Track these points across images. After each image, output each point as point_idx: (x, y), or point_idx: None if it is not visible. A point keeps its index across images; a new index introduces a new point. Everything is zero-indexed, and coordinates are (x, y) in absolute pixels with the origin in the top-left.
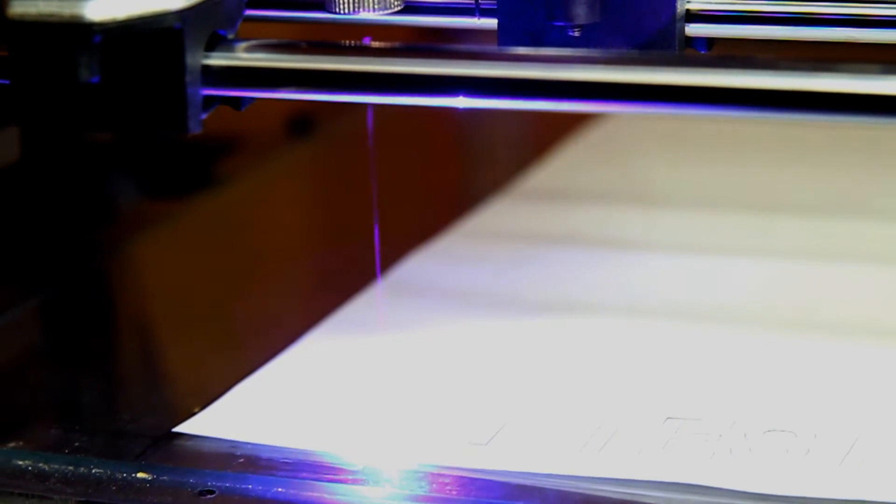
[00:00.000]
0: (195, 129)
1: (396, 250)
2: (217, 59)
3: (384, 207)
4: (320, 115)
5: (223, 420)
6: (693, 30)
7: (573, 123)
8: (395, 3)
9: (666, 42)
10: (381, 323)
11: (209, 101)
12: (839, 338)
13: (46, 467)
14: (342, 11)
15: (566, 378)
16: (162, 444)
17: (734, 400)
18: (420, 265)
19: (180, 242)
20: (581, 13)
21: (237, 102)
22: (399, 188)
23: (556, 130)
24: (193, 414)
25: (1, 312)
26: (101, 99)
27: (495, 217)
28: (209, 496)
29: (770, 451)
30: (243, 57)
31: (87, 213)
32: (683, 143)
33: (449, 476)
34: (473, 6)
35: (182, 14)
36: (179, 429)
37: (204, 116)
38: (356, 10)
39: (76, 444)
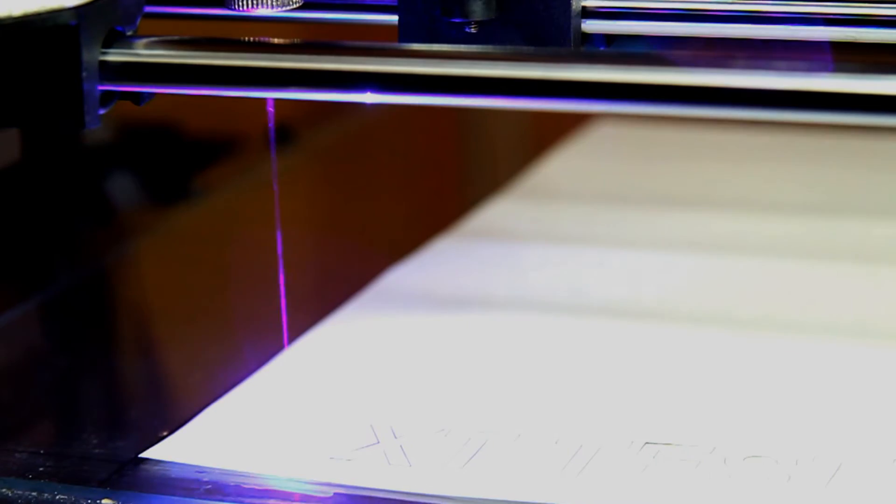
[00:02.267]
0: (92, 124)
1: (396, 250)
2: (114, 56)
3: (384, 207)
4: (299, 126)
5: (191, 445)
6: (589, 26)
7: (573, 123)
8: (294, 0)
9: (562, 39)
10: (361, 336)
11: (107, 97)
12: (820, 361)
13: (10, 493)
14: (241, 8)
15: (549, 394)
16: (128, 469)
17: (714, 425)
18: (419, 266)
19: (155, 259)
20: (477, 10)
21: (136, 98)
22: (399, 188)
23: (556, 130)
24: (161, 438)
25: None
26: None
27: (495, 217)
28: None
29: (750, 478)
30: (141, 53)
31: (63, 232)
32: (683, 144)
33: (424, 503)
34: (373, 3)
35: (78, 11)
36: (146, 454)
37: (102, 112)
38: (255, 6)
39: (40, 468)
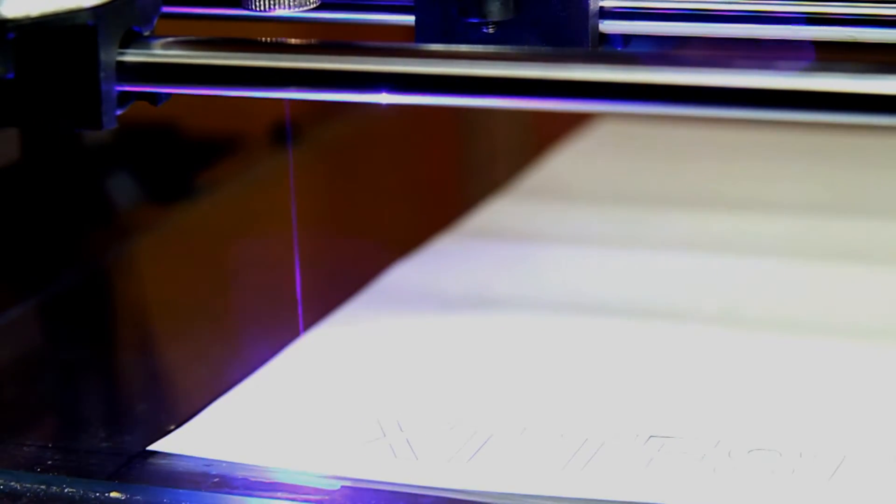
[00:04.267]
0: (109, 124)
1: (395, 250)
2: (132, 56)
3: (385, 205)
4: (304, 123)
5: (199, 438)
6: (607, 26)
7: (573, 122)
8: (311, 0)
9: (579, 39)
10: (363, 334)
11: (124, 98)
12: (824, 356)
13: (18, 486)
14: (258, 8)
15: (553, 389)
16: (136, 462)
17: (718, 418)
18: (419, 265)
19: (160, 255)
20: (495, 10)
21: (153, 98)
22: (398, 188)
23: (555, 130)
24: (169, 431)
25: None
26: (15, 95)
27: (494, 217)
28: None
29: (754, 471)
30: (158, 53)
31: (66, 230)
32: (684, 142)
33: (430, 496)
34: (388, 3)
35: (96, 11)
36: (154, 447)
37: (119, 112)
38: (272, 7)
39: (49, 462)
